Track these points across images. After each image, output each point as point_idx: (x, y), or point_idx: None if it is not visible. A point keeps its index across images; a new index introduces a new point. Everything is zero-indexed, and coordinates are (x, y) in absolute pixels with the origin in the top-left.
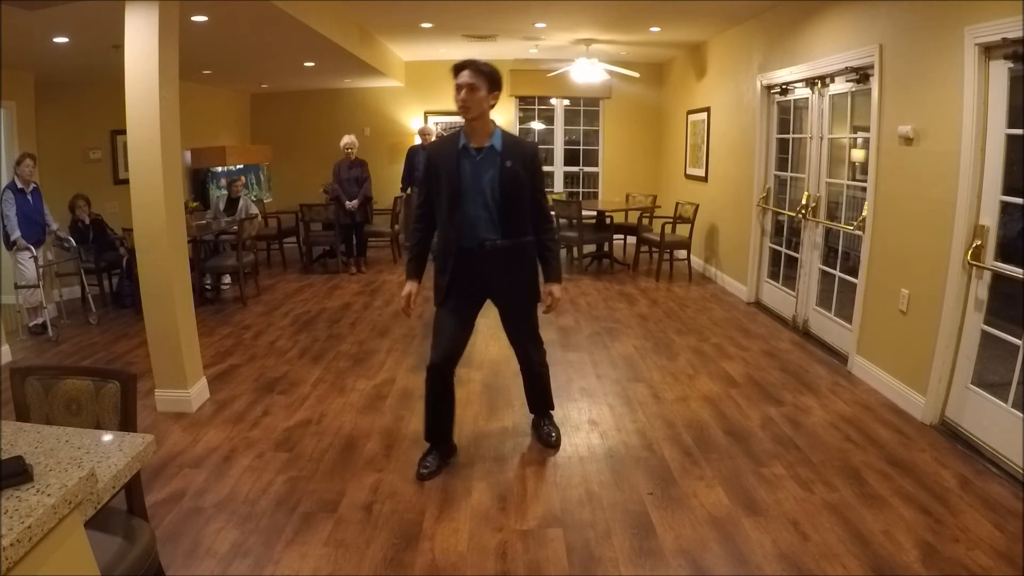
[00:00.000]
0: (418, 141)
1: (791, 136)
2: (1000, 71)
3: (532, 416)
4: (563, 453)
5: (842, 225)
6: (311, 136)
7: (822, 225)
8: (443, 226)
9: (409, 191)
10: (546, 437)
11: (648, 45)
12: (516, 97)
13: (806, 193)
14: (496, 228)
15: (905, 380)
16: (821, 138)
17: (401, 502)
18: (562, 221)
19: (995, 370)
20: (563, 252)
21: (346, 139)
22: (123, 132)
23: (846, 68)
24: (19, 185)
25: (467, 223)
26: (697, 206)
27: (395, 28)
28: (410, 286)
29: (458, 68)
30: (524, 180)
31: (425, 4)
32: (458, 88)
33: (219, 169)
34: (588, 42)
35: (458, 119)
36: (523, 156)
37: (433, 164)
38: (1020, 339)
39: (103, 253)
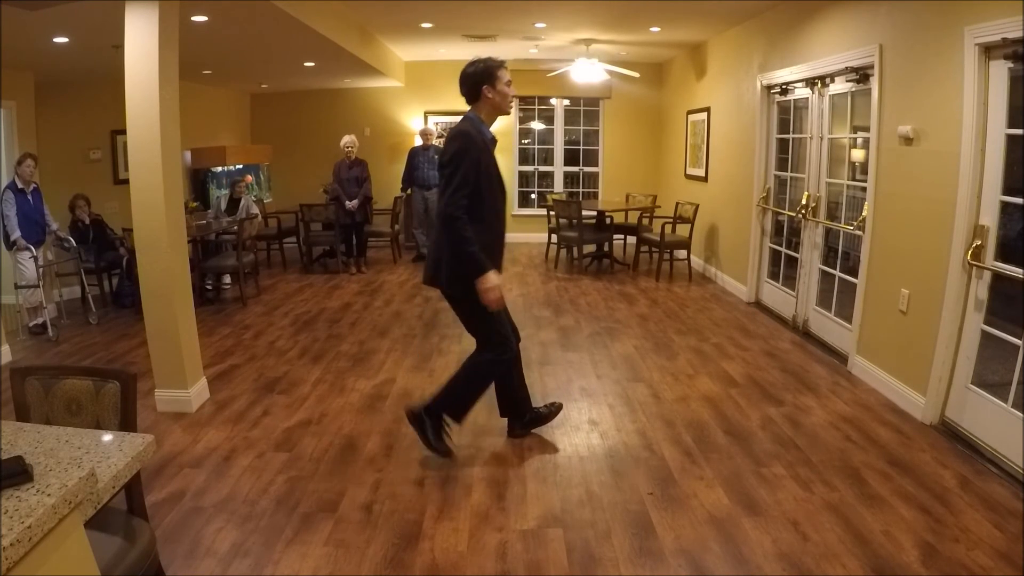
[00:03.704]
0: (419, 142)
1: (791, 136)
2: (1000, 71)
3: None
4: (563, 453)
5: (842, 225)
6: (311, 136)
7: (822, 225)
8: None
9: (409, 191)
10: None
11: (648, 45)
12: (516, 97)
13: (806, 193)
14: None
15: (905, 380)
16: (821, 138)
17: (401, 502)
18: (562, 221)
19: (995, 370)
20: (563, 252)
21: (346, 139)
22: (123, 132)
23: (846, 68)
24: (19, 185)
25: None
26: (697, 206)
27: (395, 28)
28: (497, 276)
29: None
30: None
31: (425, 4)
32: (511, 84)
33: (219, 169)
34: (588, 42)
35: (457, 119)
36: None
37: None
38: (1020, 339)
39: (103, 253)
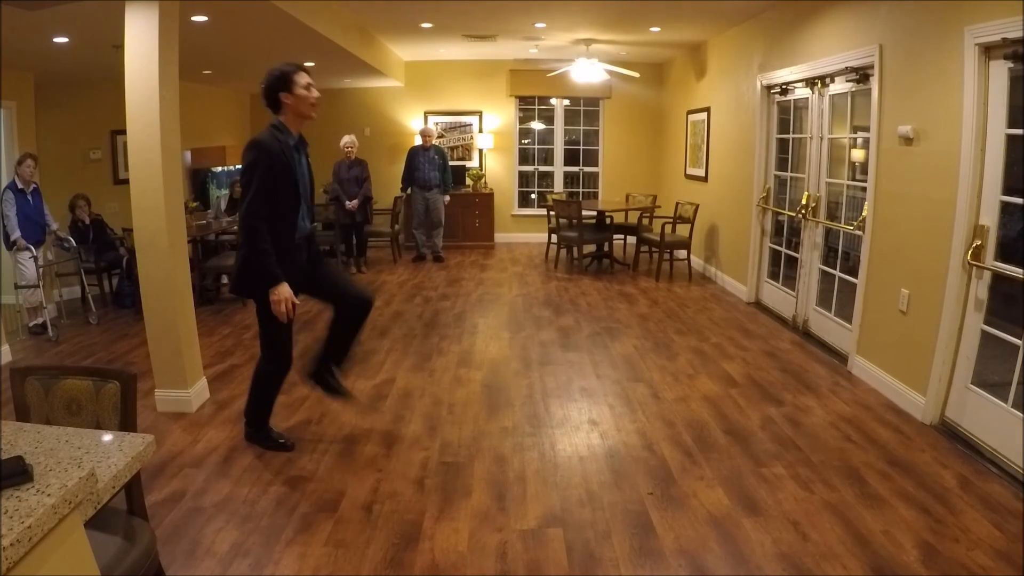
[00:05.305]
0: (419, 142)
1: (791, 136)
2: (1000, 71)
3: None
4: (563, 453)
5: (842, 225)
6: (311, 136)
7: (822, 225)
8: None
9: (409, 191)
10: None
11: (648, 45)
12: (516, 97)
13: (806, 193)
14: None
15: (905, 380)
16: (821, 138)
17: (401, 502)
18: (562, 221)
19: (995, 370)
20: (563, 252)
21: (346, 139)
22: (123, 132)
23: (846, 68)
24: (19, 185)
25: None
26: (697, 206)
27: (395, 28)
28: (287, 288)
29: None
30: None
31: (425, 4)
32: (311, 87)
33: (219, 169)
34: (588, 42)
35: (457, 119)
36: None
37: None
38: (1020, 339)
39: (103, 253)
